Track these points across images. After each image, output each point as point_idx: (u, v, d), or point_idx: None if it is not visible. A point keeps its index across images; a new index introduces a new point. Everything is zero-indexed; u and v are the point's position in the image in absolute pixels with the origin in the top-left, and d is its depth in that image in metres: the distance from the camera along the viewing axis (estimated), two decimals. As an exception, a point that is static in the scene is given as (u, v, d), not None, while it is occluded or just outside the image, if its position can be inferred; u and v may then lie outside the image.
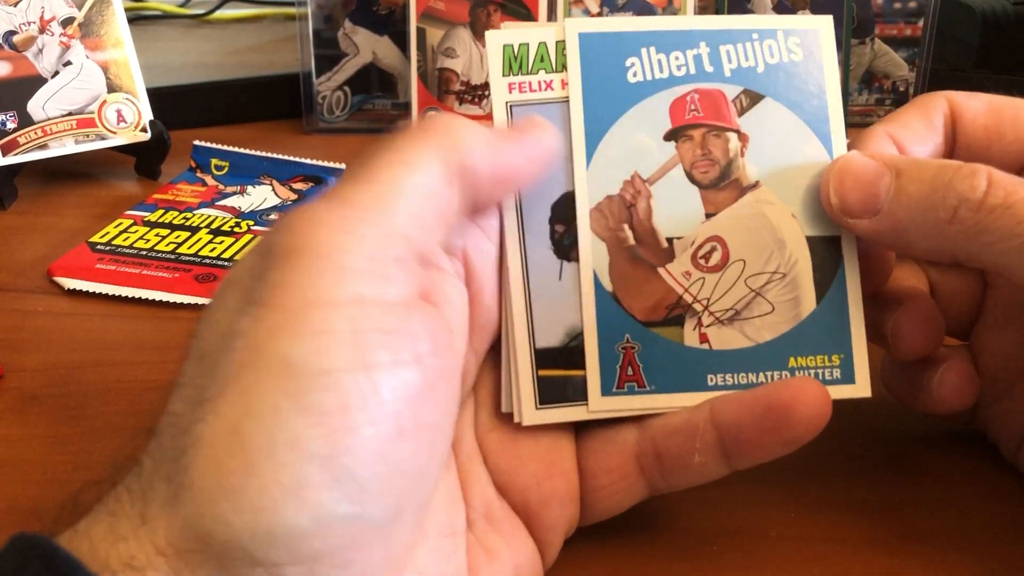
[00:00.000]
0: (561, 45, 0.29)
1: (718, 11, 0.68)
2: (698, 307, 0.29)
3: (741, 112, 0.30)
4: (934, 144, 0.31)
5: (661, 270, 0.29)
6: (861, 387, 0.29)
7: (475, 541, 0.27)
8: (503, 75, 0.29)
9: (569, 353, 0.28)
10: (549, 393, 0.28)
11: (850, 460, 0.34)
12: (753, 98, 0.30)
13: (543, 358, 0.28)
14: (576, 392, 0.28)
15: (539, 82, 0.29)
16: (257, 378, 0.20)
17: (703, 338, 0.28)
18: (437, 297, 0.24)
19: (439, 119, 0.25)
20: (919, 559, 0.30)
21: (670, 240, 0.29)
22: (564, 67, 0.29)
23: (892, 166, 0.28)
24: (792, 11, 0.67)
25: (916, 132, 0.31)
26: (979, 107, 0.31)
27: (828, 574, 0.29)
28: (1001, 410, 0.33)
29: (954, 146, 0.31)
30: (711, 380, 0.28)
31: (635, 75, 0.29)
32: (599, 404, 0.28)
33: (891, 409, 0.37)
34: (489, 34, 0.29)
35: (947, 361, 0.32)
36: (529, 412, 0.28)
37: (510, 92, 0.29)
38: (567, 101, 0.29)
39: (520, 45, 0.29)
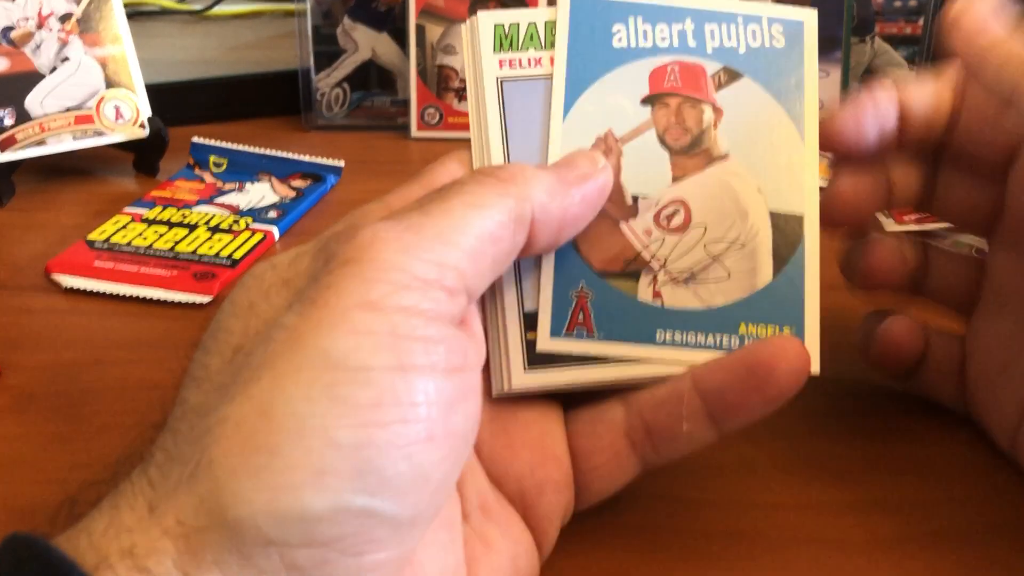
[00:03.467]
0: (550, 25, 0.30)
1: None
2: (655, 265, 0.29)
3: (718, 87, 0.30)
4: (937, 98, 0.32)
5: (623, 224, 0.29)
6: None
7: (472, 533, 0.27)
8: (494, 52, 0.30)
9: None
10: (537, 355, 0.28)
11: (850, 460, 0.34)
12: (732, 75, 0.30)
13: (531, 321, 0.29)
14: (565, 354, 0.29)
15: (528, 59, 0.30)
16: (293, 366, 0.21)
17: (656, 295, 0.29)
18: (471, 324, 0.26)
19: (510, 169, 0.26)
20: (919, 559, 0.30)
21: (635, 198, 0.30)
22: (553, 45, 0.30)
23: (1014, 25, 0.30)
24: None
25: (921, 82, 0.32)
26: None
27: (828, 574, 0.29)
28: (993, 400, 0.33)
29: (963, 104, 0.32)
30: (660, 336, 0.29)
31: (620, 40, 0.30)
32: (547, 345, 0.28)
33: (891, 408, 0.37)
34: (480, 14, 0.30)
35: (892, 318, 0.35)
36: (518, 375, 0.28)
37: (501, 68, 0.30)
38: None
39: (511, 25, 0.30)
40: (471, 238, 0.24)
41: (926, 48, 0.69)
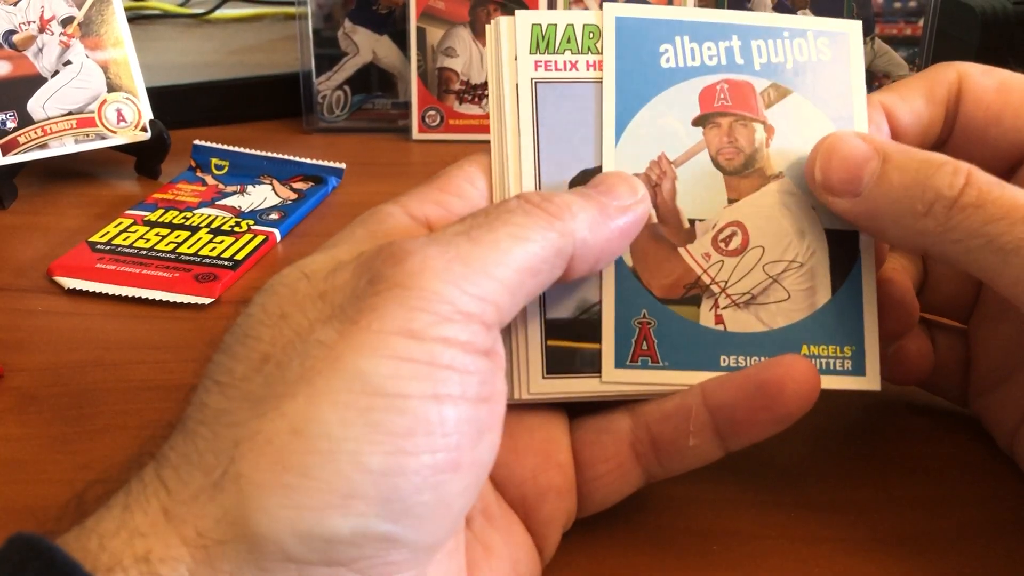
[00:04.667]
0: (588, 28, 0.30)
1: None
2: (715, 289, 0.29)
3: (768, 105, 0.30)
4: (928, 119, 0.31)
5: (681, 250, 0.29)
6: (871, 380, 0.29)
7: (473, 538, 0.27)
8: (530, 52, 0.30)
9: (580, 325, 0.29)
10: (557, 363, 0.28)
11: (850, 460, 0.34)
12: (781, 92, 0.30)
13: (552, 329, 0.28)
14: (584, 363, 0.28)
15: (565, 62, 0.30)
16: (330, 386, 0.21)
17: (718, 319, 0.29)
18: (498, 352, 0.25)
19: (558, 201, 0.25)
20: (919, 559, 0.30)
21: (692, 222, 0.29)
22: (589, 49, 0.30)
23: (880, 151, 0.28)
24: (792, 11, 0.67)
25: (912, 105, 0.31)
26: (988, 86, 0.31)
27: (828, 574, 0.29)
28: (995, 400, 0.33)
29: (954, 123, 0.31)
30: (724, 361, 0.29)
31: (668, 61, 0.30)
32: (612, 375, 0.28)
33: (891, 408, 0.37)
34: (518, 13, 0.30)
35: (907, 336, 0.33)
36: (536, 381, 0.28)
37: (536, 69, 0.30)
38: (591, 82, 0.30)
39: (548, 25, 0.30)
40: (512, 272, 0.24)
41: (926, 49, 0.69)
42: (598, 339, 0.29)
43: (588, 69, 0.30)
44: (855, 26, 0.31)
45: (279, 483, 0.20)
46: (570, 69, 0.30)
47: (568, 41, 0.30)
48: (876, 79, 0.70)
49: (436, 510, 0.21)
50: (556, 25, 0.30)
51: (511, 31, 0.30)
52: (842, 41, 0.31)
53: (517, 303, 0.24)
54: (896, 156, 0.28)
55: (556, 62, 0.30)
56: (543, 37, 0.30)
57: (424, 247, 0.23)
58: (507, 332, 0.28)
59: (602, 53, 0.30)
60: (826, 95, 0.30)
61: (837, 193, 0.28)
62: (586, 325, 0.29)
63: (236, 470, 0.20)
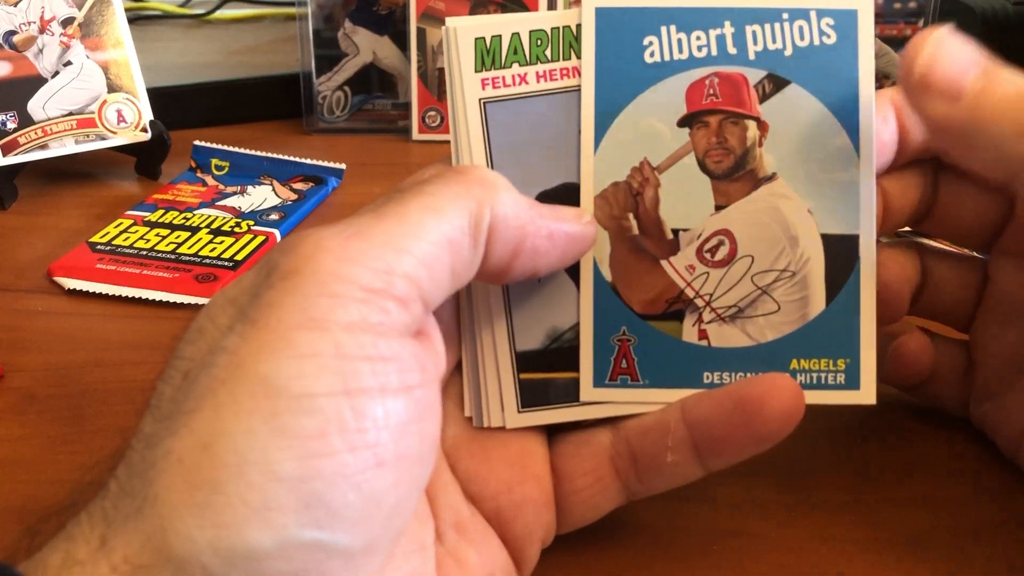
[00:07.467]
0: (535, 35, 0.28)
1: None
2: (700, 303, 0.28)
3: (763, 98, 0.28)
4: None
5: (664, 263, 0.28)
6: (865, 394, 0.28)
7: (445, 553, 0.26)
8: (476, 70, 0.28)
9: (551, 355, 0.28)
10: (531, 396, 0.28)
11: (850, 460, 0.34)
12: (778, 83, 0.28)
13: (524, 361, 0.28)
14: (558, 394, 0.28)
15: (513, 76, 0.28)
16: (234, 396, 0.20)
17: (702, 335, 0.28)
18: (430, 335, 0.24)
19: (477, 171, 0.24)
20: (919, 559, 0.30)
21: (676, 231, 0.28)
22: (538, 58, 0.28)
23: (985, 65, 0.26)
24: None
25: None
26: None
27: (828, 574, 0.29)
28: (998, 407, 0.33)
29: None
30: (707, 378, 0.28)
31: (652, 55, 0.28)
32: (590, 395, 0.28)
33: (891, 409, 0.37)
34: (458, 25, 0.28)
35: (906, 333, 0.33)
36: (512, 416, 0.28)
37: (483, 88, 0.28)
38: (543, 95, 0.28)
39: (492, 38, 0.28)
40: (425, 244, 0.22)
41: (926, 50, 0.69)
42: (571, 367, 0.28)
43: (538, 81, 0.28)
44: (865, 2, 0.28)
45: (193, 502, 0.19)
46: (519, 83, 0.28)
47: (515, 52, 0.28)
48: (876, 80, 0.70)
49: (365, 510, 0.20)
50: (500, 36, 0.28)
51: (455, 41, 0.28)
52: (849, 20, 0.28)
53: (439, 280, 0.23)
54: (1003, 72, 0.26)
55: (504, 77, 0.28)
56: (488, 51, 0.28)
57: (321, 229, 0.22)
58: (476, 363, 0.28)
59: (552, 61, 0.28)
60: (828, 84, 0.28)
61: (938, 91, 0.26)
62: (558, 354, 0.28)
63: (154, 492, 0.19)
